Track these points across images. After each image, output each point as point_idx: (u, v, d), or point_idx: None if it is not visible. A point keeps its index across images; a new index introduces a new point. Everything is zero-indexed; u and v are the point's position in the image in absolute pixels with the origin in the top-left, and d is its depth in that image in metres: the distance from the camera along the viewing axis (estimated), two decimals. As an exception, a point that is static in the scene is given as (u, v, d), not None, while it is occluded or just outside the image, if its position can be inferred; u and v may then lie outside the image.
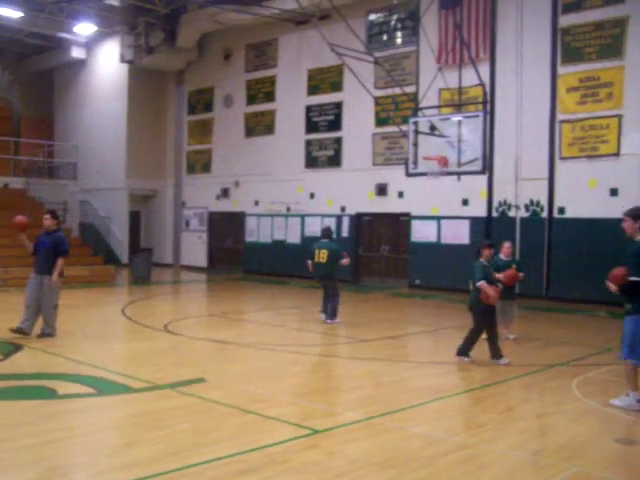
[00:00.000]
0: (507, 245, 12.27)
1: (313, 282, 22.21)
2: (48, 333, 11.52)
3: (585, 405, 8.00)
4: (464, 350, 10.24)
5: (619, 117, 17.66)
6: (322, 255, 14.12)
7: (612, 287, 7.89)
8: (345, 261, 14.27)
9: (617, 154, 17.70)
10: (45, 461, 5.78)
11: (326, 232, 14.84)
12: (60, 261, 11.44)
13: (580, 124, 18.26)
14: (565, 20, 18.52)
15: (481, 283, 9.92)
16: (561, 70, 18.63)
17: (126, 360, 10.61)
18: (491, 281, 10.15)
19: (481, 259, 10.32)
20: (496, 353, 10.16)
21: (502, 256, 12.14)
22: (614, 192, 17.67)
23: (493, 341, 10.19)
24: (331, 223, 23.42)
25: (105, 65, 29.89)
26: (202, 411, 7.46)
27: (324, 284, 14.30)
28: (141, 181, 29.42)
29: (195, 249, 28.94)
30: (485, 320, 10.15)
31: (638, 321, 7.71)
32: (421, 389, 8.76)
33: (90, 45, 30.38)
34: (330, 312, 14.16)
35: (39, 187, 26.77)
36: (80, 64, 30.86)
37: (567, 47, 18.52)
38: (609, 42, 17.83)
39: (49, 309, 11.53)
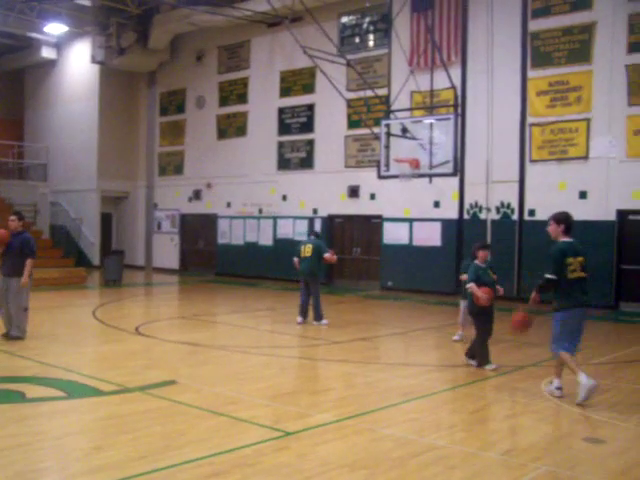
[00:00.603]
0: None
1: (285, 284, 22.33)
2: (17, 336, 11.41)
3: (554, 405, 8.10)
4: (481, 358, 10.12)
5: (587, 121, 17.88)
6: (307, 250, 14.38)
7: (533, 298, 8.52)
8: (328, 255, 14.44)
9: (586, 157, 17.93)
10: (14, 465, 5.73)
11: (314, 232, 15.49)
12: (29, 262, 11.36)
13: (550, 127, 18.47)
14: (534, 25, 18.72)
15: (470, 285, 10.01)
16: (531, 74, 18.82)
17: (97, 363, 10.54)
18: (487, 283, 10.13)
19: (476, 261, 10.40)
20: (471, 354, 10.22)
21: (478, 262, 11.97)
22: (583, 195, 17.90)
23: (477, 343, 10.24)
24: (303, 225, 23.53)
25: (76, 65, 29.65)
26: (173, 414, 7.43)
27: (307, 280, 14.38)
28: (112, 183, 29.21)
29: (167, 251, 28.81)
30: (477, 322, 10.24)
31: (564, 318, 8.36)
32: (392, 390, 8.80)
33: (61, 45, 30.13)
34: (315, 314, 14.30)
35: (9, 188, 26.52)
36: (51, 64, 30.58)
37: (537, 51, 18.72)
38: (577, 47, 18.06)
39: (19, 311, 11.43)
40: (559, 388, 8.55)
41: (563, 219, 8.71)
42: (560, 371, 8.61)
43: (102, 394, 8.22)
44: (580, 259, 8.46)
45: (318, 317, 14.31)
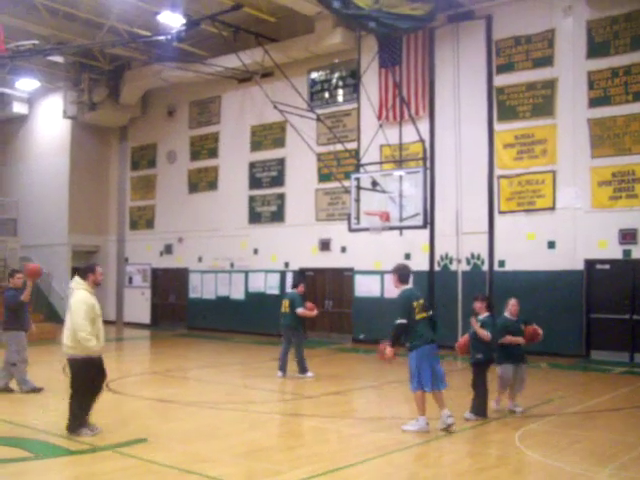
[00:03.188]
0: (513, 302, 10.84)
1: (257, 338, 22.25)
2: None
3: (528, 457, 8.09)
4: (479, 410, 10.14)
5: (553, 173, 18.22)
6: (285, 305, 14.56)
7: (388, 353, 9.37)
8: (301, 310, 14.44)
9: (553, 208, 18.22)
10: (-22, 530, 5.60)
11: (293, 282, 15.61)
12: None
13: (517, 179, 18.77)
14: (499, 80, 19.15)
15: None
16: (497, 127, 19.18)
17: (65, 421, 10.33)
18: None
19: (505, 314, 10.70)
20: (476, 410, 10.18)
21: (508, 315, 10.79)
22: (551, 245, 18.14)
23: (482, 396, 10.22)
24: (275, 279, 23.50)
25: (48, 120, 29.69)
26: (143, 473, 7.31)
27: (287, 334, 14.48)
28: (83, 237, 29.06)
29: (138, 305, 28.56)
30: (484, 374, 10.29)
31: (417, 355, 9.27)
32: (365, 445, 8.75)
33: (32, 100, 30.21)
34: (299, 367, 14.34)
35: (-22, 243, 26.26)
36: (22, 119, 30.61)
37: (502, 105, 19.12)
38: (541, 102, 18.49)
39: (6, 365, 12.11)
40: (450, 416, 9.25)
41: (397, 270, 9.69)
42: (442, 403, 9.33)
43: (71, 453, 8.07)
44: (421, 302, 9.44)
45: (302, 370, 14.35)
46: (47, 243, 28.63)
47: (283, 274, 23.49)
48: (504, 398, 10.76)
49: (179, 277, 27.05)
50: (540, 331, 10.88)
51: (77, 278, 9.17)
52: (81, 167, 28.86)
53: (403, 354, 9.57)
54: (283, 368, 14.35)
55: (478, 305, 10.39)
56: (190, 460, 7.76)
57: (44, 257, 28.65)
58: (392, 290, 20.26)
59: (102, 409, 11.09)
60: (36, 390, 12.10)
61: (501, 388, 10.66)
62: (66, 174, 28.64)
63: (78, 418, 8.90)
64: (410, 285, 9.71)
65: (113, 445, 8.34)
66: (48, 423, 9.82)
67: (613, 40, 17.54)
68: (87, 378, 9.00)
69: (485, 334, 10.02)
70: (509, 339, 10.47)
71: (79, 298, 8.97)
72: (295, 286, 15.10)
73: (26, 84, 27.49)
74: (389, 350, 9.32)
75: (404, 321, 9.26)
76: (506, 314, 10.71)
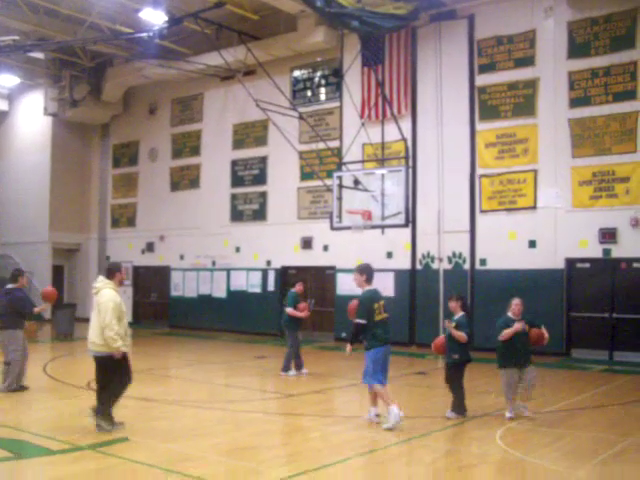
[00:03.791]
0: (516, 302, 10.29)
1: (239, 336, 22.25)
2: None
3: (509, 455, 8.14)
4: (459, 409, 10.21)
5: (535, 172, 18.33)
6: (285, 303, 14.94)
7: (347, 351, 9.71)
8: (289, 310, 14.59)
9: (534, 207, 18.33)
10: (-41, 531, 5.57)
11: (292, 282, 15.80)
12: None
13: (499, 178, 18.87)
14: (481, 80, 19.24)
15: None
16: (479, 126, 19.27)
17: (47, 420, 10.28)
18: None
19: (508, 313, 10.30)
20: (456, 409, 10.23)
21: (511, 315, 10.26)
22: (532, 244, 18.25)
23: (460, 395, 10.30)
24: (256, 277, 23.49)
25: (28, 117, 29.51)
26: (124, 472, 7.30)
27: (285, 333, 14.96)
28: (64, 235, 28.90)
29: (119, 304, 28.37)
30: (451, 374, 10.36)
31: (374, 354, 9.44)
32: (347, 443, 8.76)
33: (12, 97, 30.01)
34: (283, 364, 14.52)
35: (-43, 241, 26.07)
36: (2, 116, 30.40)
37: (484, 105, 19.21)
38: (523, 101, 18.60)
39: None
40: (377, 415, 9.67)
41: (365, 270, 9.89)
42: (375, 400, 9.68)
43: (52, 453, 8.02)
44: (382, 303, 9.75)
45: (285, 368, 14.46)
46: (28, 241, 28.45)
47: (265, 272, 23.47)
48: (515, 404, 10.21)
49: (161, 275, 26.97)
50: (546, 335, 10.29)
51: (102, 277, 9.30)
52: (62, 164, 28.71)
53: (361, 350, 9.68)
54: (300, 366, 14.65)
55: (453, 305, 10.47)
56: (172, 459, 7.75)
57: (25, 255, 28.49)
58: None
59: (83, 408, 11.04)
60: (20, 389, 12.03)
61: (508, 395, 10.13)
62: (47, 171, 28.48)
63: (107, 406, 9.13)
64: (373, 286, 9.92)
65: (94, 444, 8.31)
66: (30, 422, 9.77)
67: (593, 41, 17.68)
68: (116, 372, 9.25)
69: (460, 335, 10.02)
70: (507, 332, 9.93)
71: (108, 297, 9.05)
72: (293, 285, 15.29)
73: (6, 80, 27.31)
74: (348, 348, 9.67)
75: (363, 321, 9.48)
76: (509, 314, 10.23)
